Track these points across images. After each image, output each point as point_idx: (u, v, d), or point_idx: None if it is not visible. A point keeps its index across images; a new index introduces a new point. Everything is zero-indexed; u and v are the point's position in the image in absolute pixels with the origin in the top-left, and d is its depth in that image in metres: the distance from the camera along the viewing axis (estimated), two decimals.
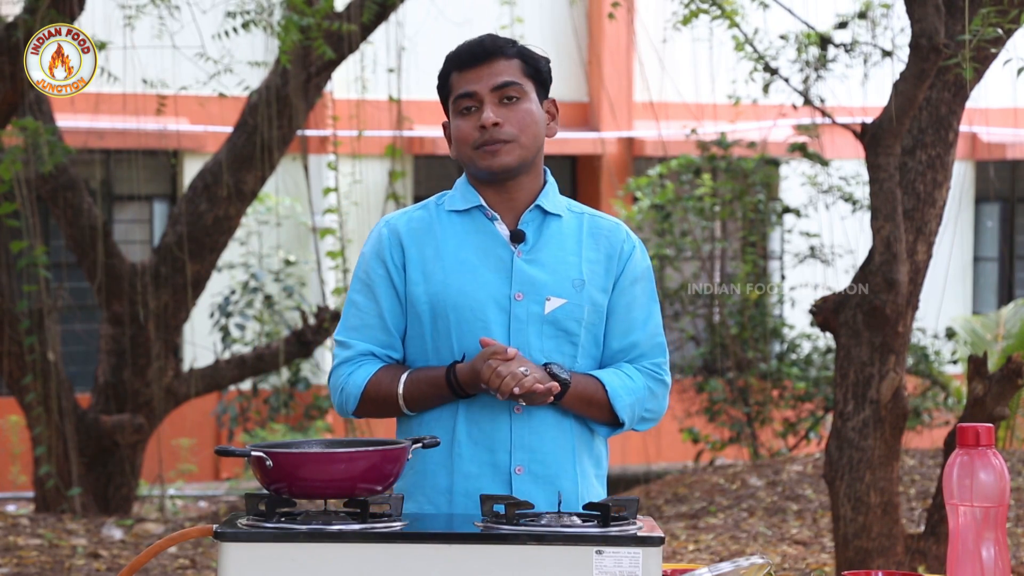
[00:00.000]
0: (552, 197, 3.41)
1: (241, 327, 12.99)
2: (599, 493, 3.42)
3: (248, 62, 9.14)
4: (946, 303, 12.67)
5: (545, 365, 3.29)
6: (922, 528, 6.68)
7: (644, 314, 3.43)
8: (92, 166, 12.69)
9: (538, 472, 3.33)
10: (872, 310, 6.17)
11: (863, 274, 6.23)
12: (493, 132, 3.32)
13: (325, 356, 13.28)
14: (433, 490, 3.34)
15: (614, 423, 3.39)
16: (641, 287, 3.43)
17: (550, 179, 3.44)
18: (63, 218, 9.70)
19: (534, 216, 3.39)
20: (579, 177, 15.83)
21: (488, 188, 3.39)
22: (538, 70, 3.39)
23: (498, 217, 3.38)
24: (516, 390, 3.19)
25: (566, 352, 3.34)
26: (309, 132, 12.48)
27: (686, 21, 7.63)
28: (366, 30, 9.35)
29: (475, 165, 3.36)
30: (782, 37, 9.31)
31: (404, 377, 3.33)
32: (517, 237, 3.36)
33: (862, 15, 9.73)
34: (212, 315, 13.01)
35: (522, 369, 3.20)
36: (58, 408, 9.55)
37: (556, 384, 3.25)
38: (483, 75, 3.34)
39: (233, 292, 13.07)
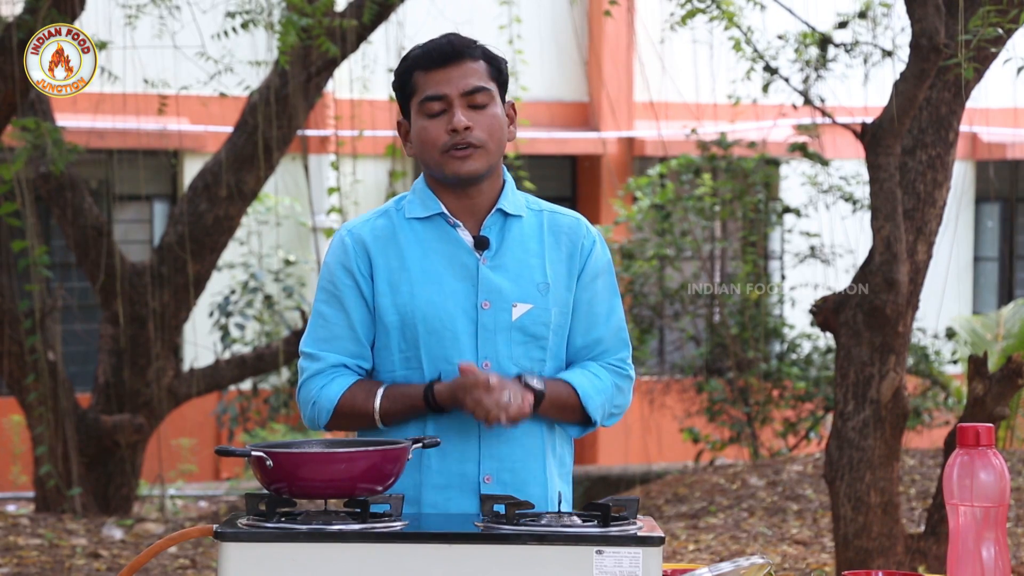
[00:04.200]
0: (512, 197, 3.40)
1: (241, 327, 12.99)
2: (566, 494, 3.42)
3: (248, 62, 9.15)
4: (946, 303, 12.68)
5: (518, 376, 3.28)
6: (922, 528, 6.68)
7: (607, 309, 3.42)
8: (92, 166, 12.69)
9: (507, 480, 3.33)
10: (872, 310, 6.17)
11: (863, 274, 6.22)
12: (464, 135, 3.29)
13: None
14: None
15: (584, 423, 3.39)
16: (603, 282, 3.43)
17: (508, 177, 3.42)
18: (64, 218, 9.70)
19: (496, 220, 3.37)
20: (579, 177, 15.83)
21: (449, 193, 3.36)
22: (500, 71, 3.37)
23: (460, 224, 3.36)
24: (503, 419, 3.20)
25: (535, 357, 3.34)
26: (309, 132, 12.48)
27: (684, 20, 7.63)
28: (366, 30, 9.35)
29: (442, 170, 3.33)
30: (780, 37, 9.32)
31: (380, 393, 3.31)
32: (481, 244, 3.34)
33: (862, 15, 9.73)
34: (212, 315, 13.01)
35: (505, 397, 3.20)
36: (59, 408, 9.55)
37: (532, 397, 3.24)
38: (452, 77, 3.30)
39: (233, 292, 13.07)
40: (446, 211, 3.35)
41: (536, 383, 3.28)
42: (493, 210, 3.37)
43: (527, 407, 3.23)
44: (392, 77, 3.43)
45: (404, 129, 3.40)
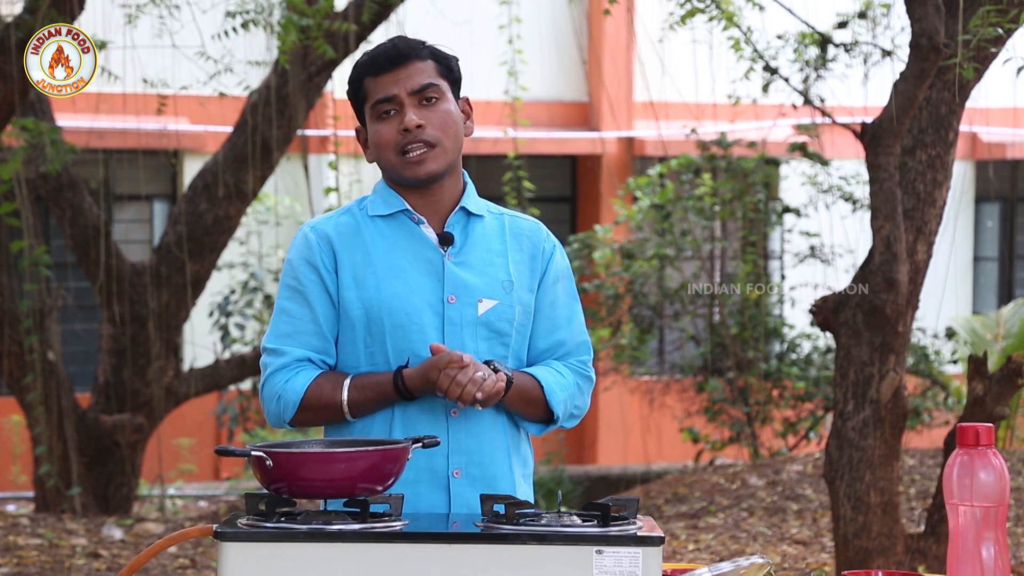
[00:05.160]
0: (473, 199, 3.43)
1: (241, 327, 12.99)
2: (528, 493, 3.44)
3: (248, 62, 9.15)
4: (946, 303, 12.67)
5: (487, 363, 3.28)
6: (922, 528, 6.68)
7: (567, 312, 3.45)
8: (92, 166, 12.69)
9: (475, 474, 3.33)
10: (872, 310, 6.17)
11: (863, 274, 6.22)
12: (417, 133, 3.32)
13: None
14: None
15: (547, 420, 3.40)
16: (563, 286, 3.46)
17: (469, 180, 3.45)
18: (63, 218, 9.70)
19: (459, 218, 3.39)
20: (579, 177, 15.83)
21: (411, 192, 3.38)
22: (450, 69, 3.39)
23: (424, 220, 3.38)
24: (479, 395, 3.19)
25: (498, 353, 3.36)
26: (309, 132, 12.48)
27: (684, 20, 7.63)
28: (366, 30, 9.35)
29: (399, 173, 3.36)
30: (779, 37, 9.32)
31: (347, 383, 3.31)
32: (445, 239, 3.36)
33: (862, 15, 9.73)
34: (212, 315, 13.01)
35: (480, 374, 3.20)
36: (58, 408, 9.55)
37: (504, 378, 3.26)
38: (400, 78, 3.33)
39: (233, 292, 13.07)
40: (409, 208, 3.38)
41: (505, 369, 3.29)
42: (456, 208, 3.39)
43: (501, 384, 3.23)
44: None
45: (363, 136, 3.43)
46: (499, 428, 3.37)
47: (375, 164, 3.43)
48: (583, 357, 3.46)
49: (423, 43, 3.38)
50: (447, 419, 3.32)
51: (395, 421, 3.32)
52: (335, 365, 3.37)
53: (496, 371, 3.26)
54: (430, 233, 3.37)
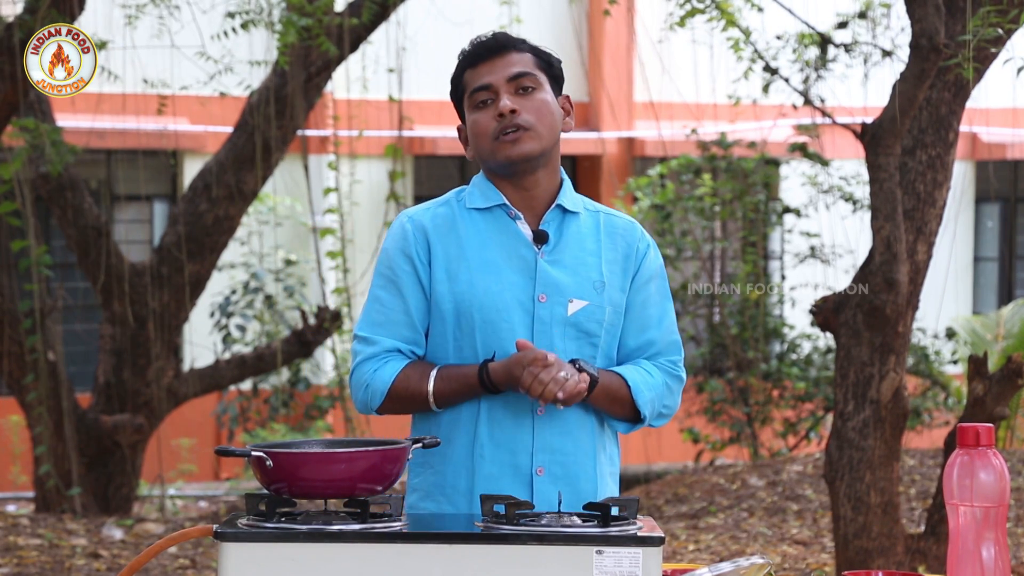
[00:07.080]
0: (570, 195, 3.42)
1: (241, 327, 12.99)
2: (613, 491, 3.43)
3: (248, 62, 9.14)
4: (946, 303, 12.67)
5: (572, 361, 3.28)
6: (922, 528, 6.68)
7: (659, 312, 3.44)
8: (92, 166, 12.69)
9: (558, 473, 3.34)
10: (872, 310, 6.17)
11: (863, 274, 6.23)
12: (511, 118, 3.32)
13: (325, 356, 13.28)
14: (454, 491, 3.34)
15: (634, 419, 3.40)
16: (655, 285, 3.45)
17: (566, 177, 3.45)
18: (63, 218, 9.70)
19: (555, 215, 3.39)
20: (579, 177, 15.82)
21: (508, 185, 3.38)
22: (550, 64, 3.41)
23: (521, 216, 3.38)
24: (560, 395, 3.19)
25: (587, 353, 3.35)
26: (309, 132, 12.48)
27: (683, 21, 7.63)
28: (366, 30, 9.34)
29: (495, 157, 3.35)
30: (778, 37, 9.33)
31: (433, 374, 3.31)
32: (540, 237, 3.36)
33: (862, 15, 9.74)
34: (212, 315, 13.01)
35: (562, 374, 3.20)
36: (58, 408, 9.55)
37: (587, 379, 3.26)
38: (497, 67, 3.35)
39: (233, 292, 13.07)
40: (507, 202, 3.38)
41: (590, 368, 3.29)
42: (553, 205, 3.39)
43: (583, 386, 3.23)
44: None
45: (463, 135, 3.44)
46: (586, 427, 3.37)
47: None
48: (673, 357, 3.45)
49: (524, 40, 3.41)
50: (533, 418, 3.33)
51: (480, 419, 3.33)
52: (424, 356, 3.38)
53: (581, 371, 3.26)
54: (525, 230, 3.37)
